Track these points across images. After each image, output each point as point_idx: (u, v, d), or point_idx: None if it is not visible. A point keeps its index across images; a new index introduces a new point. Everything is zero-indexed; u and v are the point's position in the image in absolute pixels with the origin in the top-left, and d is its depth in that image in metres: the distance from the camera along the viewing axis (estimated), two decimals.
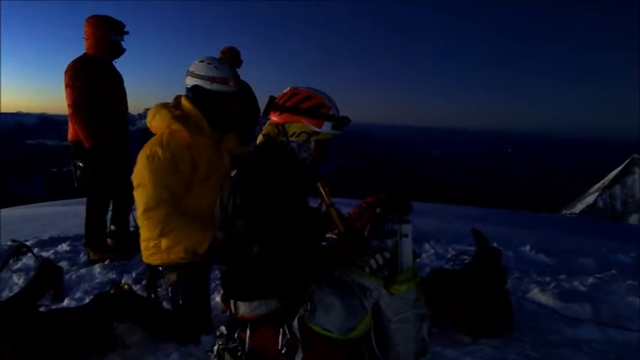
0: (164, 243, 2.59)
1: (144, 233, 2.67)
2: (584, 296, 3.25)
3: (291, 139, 2.05)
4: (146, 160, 2.57)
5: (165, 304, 2.86)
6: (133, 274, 3.76)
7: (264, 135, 2.12)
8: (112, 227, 4.31)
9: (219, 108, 2.68)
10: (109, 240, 4.30)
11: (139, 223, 2.66)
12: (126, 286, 2.73)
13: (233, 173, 2.02)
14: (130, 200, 4.37)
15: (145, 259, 2.74)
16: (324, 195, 2.18)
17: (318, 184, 2.17)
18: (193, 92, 2.68)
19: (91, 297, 2.81)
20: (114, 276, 3.73)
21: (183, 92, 2.76)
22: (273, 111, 2.09)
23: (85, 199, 4.30)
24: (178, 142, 2.60)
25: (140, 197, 2.59)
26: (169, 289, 2.69)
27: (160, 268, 2.72)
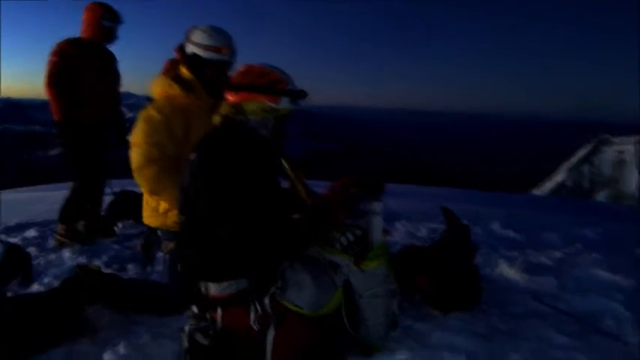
0: (162, 206, 2.70)
1: (144, 194, 2.80)
2: (550, 270, 3.36)
3: (249, 117, 2.03)
4: (141, 122, 2.69)
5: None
6: (104, 258, 3.71)
7: (221, 115, 2.09)
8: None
9: (212, 75, 2.73)
10: (82, 221, 4.26)
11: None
12: (95, 268, 2.70)
13: (192, 156, 1.99)
14: (104, 180, 4.38)
15: (144, 220, 2.87)
16: (289, 171, 2.18)
17: (282, 160, 2.16)
18: (191, 59, 2.75)
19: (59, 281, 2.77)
20: (84, 260, 3.66)
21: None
22: (228, 90, 2.06)
23: (53, 185, 4.23)
24: (173, 106, 2.70)
25: (133, 156, 2.69)
26: (167, 256, 2.75)
27: (159, 233, 2.81)
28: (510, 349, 2.28)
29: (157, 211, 2.76)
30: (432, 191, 9.07)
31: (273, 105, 2.02)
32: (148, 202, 2.83)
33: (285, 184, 2.32)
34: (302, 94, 2.07)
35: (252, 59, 2.12)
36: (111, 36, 4.12)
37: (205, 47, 2.69)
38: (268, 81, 2.01)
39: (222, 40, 2.73)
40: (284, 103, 2.03)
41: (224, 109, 2.08)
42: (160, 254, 2.96)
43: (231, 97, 2.05)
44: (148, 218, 2.85)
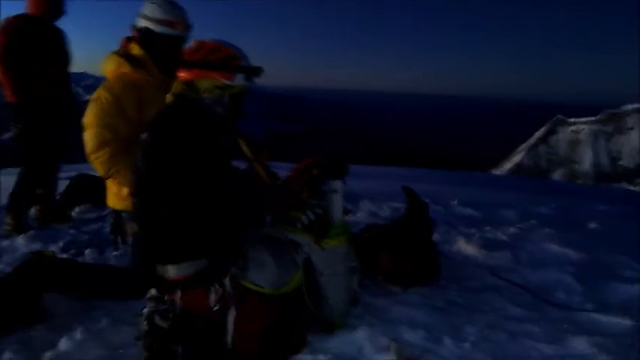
0: (124, 189, 2.62)
1: None
2: (506, 245, 3.47)
3: (203, 95, 1.98)
4: (92, 103, 2.61)
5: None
6: (60, 244, 3.60)
7: (173, 94, 2.03)
8: (39, 190, 4.11)
9: (165, 51, 2.65)
10: (35, 206, 4.12)
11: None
12: (49, 253, 2.62)
13: (144, 136, 1.94)
14: (58, 163, 4.23)
15: (108, 202, 2.81)
16: (247, 151, 2.15)
17: (239, 140, 2.14)
18: (143, 34, 2.67)
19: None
20: (39, 246, 3.54)
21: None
22: (180, 67, 2.00)
23: (11, 170, 4.08)
24: (124, 84, 2.62)
25: (86, 139, 2.63)
26: (131, 238, 2.68)
27: (124, 215, 2.73)
28: (467, 321, 2.35)
29: (119, 193, 2.69)
30: (394, 172, 9.19)
31: (227, 82, 1.97)
32: (110, 186, 2.76)
33: (243, 165, 2.30)
34: (257, 70, 2.02)
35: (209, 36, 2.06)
36: (58, 11, 3.95)
37: (158, 21, 2.61)
38: (222, 57, 1.96)
39: (177, 14, 2.66)
40: (239, 80, 1.99)
41: (176, 87, 2.02)
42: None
43: (183, 75, 1.99)
44: (112, 201, 2.79)
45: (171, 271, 1.92)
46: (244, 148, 2.17)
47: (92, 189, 4.62)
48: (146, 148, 1.90)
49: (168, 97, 2.04)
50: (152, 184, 1.87)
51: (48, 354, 1.99)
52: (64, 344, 2.08)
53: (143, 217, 1.99)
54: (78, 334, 2.14)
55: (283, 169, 2.55)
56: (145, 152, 1.90)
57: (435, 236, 3.21)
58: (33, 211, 4.16)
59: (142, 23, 2.65)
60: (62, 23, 4.10)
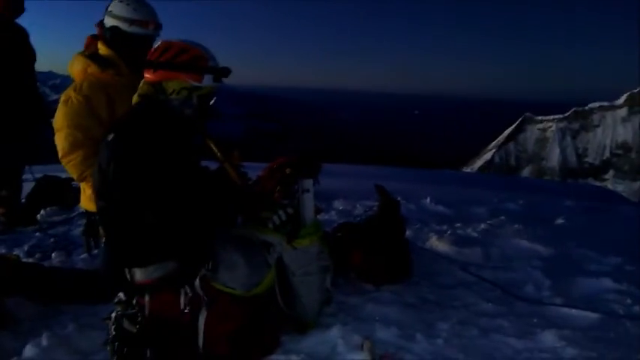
0: None
1: None
2: (476, 241, 3.52)
3: (171, 97, 1.94)
4: (62, 105, 2.57)
5: None
6: (25, 247, 3.49)
7: (139, 95, 1.98)
8: (3, 192, 3.98)
9: (135, 50, 2.60)
10: (0, 209, 3.98)
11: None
12: (13, 257, 2.54)
13: (110, 137, 1.89)
14: (23, 165, 4.10)
15: (82, 204, 2.79)
16: (216, 151, 2.13)
17: (208, 140, 2.11)
18: (111, 33, 2.61)
19: None
20: (3, 250, 3.43)
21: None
22: (146, 68, 1.96)
23: None
24: (93, 84, 2.59)
25: (58, 142, 2.58)
26: (104, 240, 2.60)
27: (97, 217, 2.61)
28: (439, 318, 2.37)
29: (92, 196, 2.63)
30: (367, 170, 9.23)
31: (195, 83, 1.94)
32: (84, 188, 2.71)
33: (213, 166, 2.27)
34: (225, 71, 2.00)
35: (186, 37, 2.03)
36: (18, 8, 3.81)
37: (130, 21, 2.56)
38: (190, 58, 1.93)
39: (148, 13, 2.62)
40: (207, 81, 1.96)
41: (142, 88, 1.98)
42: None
43: (149, 76, 1.95)
44: (85, 203, 2.74)
45: (139, 275, 1.89)
46: (214, 148, 2.14)
47: (58, 191, 4.51)
48: (112, 150, 1.85)
49: (135, 99, 2.00)
50: (117, 187, 1.83)
51: None
52: (29, 350, 2.02)
53: (108, 220, 1.94)
54: (44, 340, 2.07)
55: (257, 169, 2.53)
56: (110, 154, 1.85)
57: (408, 233, 3.23)
58: None
59: (111, 22, 2.59)
60: (24, 22, 3.98)
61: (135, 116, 1.96)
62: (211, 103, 2.05)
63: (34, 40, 4.07)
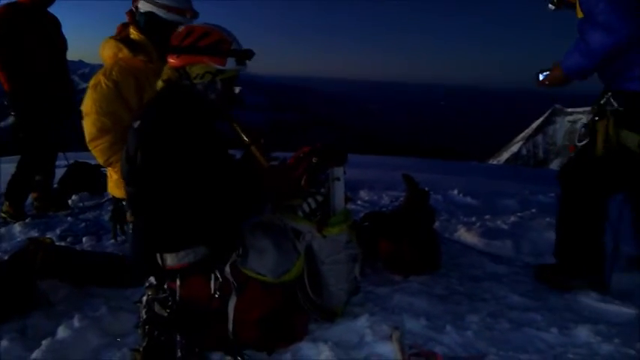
0: None
1: None
2: (506, 233, 3.45)
3: (195, 81, 1.93)
4: (91, 90, 2.57)
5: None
6: (57, 231, 3.58)
7: (164, 81, 1.98)
8: (37, 177, 4.08)
9: (169, 38, 2.60)
10: (32, 193, 4.10)
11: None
12: (47, 240, 2.59)
13: (136, 124, 1.89)
14: (55, 151, 4.20)
15: (109, 190, 2.81)
16: (243, 135, 2.11)
17: (234, 124, 2.10)
18: (145, 18, 2.61)
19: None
20: (36, 234, 3.52)
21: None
22: (170, 54, 1.95)
23: (9, 157, 4.07)
24: (123, 69, 2.59)
25: (86, 127, 2.59)
26: (131, 227, 2.62)
27: (123, 202, 2.69)
28: (469, 310, 2.33)
29: (119, 181, 2.63)
30: (393, 161, 9.17)
31: (219, 67, 1.92)
32: (111, 173, 2.74)
33: (239, 152, 2.25)
34: (248, 53, 1.98)
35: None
36: None
37: (168, 8, 2.55)
38: (212, 42, 1.91)
39: (185, 2, 2.62)
40: (230, 64, 1.94)
41: (167, 73, 1.97)
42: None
43: (173, 61, 1.94)
44: (112, 189, 2.77)
45: (170, 260, 1.90)
46: (240, 133, 2.12)
47: (89, 177, 4.60)
48: (139, 138, 1.85)
49: (159, 84, 1.99)
50: (146, 173, 1.83)
51: (46, 342, 1.96)
52: (62, 331, 2.05)
53: (138, 207, 1.95)
54: (76, 322, 2.11)
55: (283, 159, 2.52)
56: (137, 141, 1.85)
57: (436, 225, 3.18)
58: (30, 198, 4.14)
59: (147, 7, 2.59)
60: (56, 10, 4.04)
61: (160, 102, 1.96)
62: (236, 89, 2.04)
63: (65, 30, 4.14)
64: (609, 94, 2.32)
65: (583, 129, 2.49)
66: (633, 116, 2.25)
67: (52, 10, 3.97)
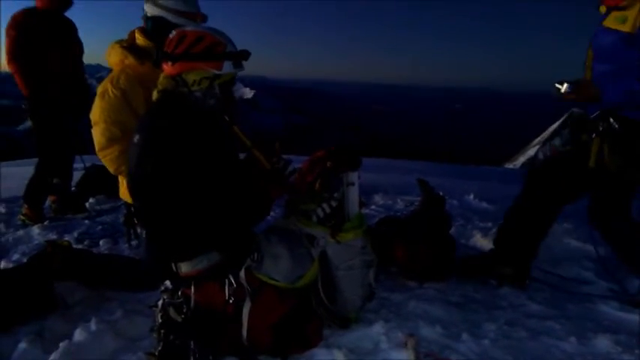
0: None
1: None
2: None
3: (192, 88, 1.89)
4: (99, 98, 2.56)
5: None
6: (75, 234, 3.61)
7: (160, 91, 1.94)
8: (55, 180, 4.13)
9: None
10: (50, 196, 4.16)
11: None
12: (65, 243, 2.62)
13: (135, 138, 1.87)
14: (73, 155, 4.25)
15: (120, 195, 2.79)
16: (243, 138, 2.09)
17: (235, 127, 2.07)
18: (153, 22, 2.57)
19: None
20: (54, 236, 3.56)
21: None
22: (164, 62, 1.91)
23: (28, 160, 4.12)
24: (130, 77, 2.56)
25: (95, 136, 2.59)
26: (144, 231, 2.60)
27: None
28: (485, 318, 2.30)
29: None
30: (407, 165, 9.12)
31: (215, 71, 1.88)
32: (122, 180, 2.72)
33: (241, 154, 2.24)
34: (244, 54, 1.94)
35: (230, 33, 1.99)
36: (66, 2, 3.94)
37: (179, 13, 2.52)
38: (206, 46, 1.87)
39: (195, 5, 2.60)
40: (227, 67, 1.90)
41: (162, 83, 1.94)
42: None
43: (168, 69, 1.90)
44: (124, 195, 2.74)
45: (184, 267, 1.89)
46: (241, 136, 2.10)
47: (106, 180, 4.63)
48: (139, 152, 1.83)
49: (154, 95, 1.96)
50: (150, 187, 1.82)
51: (63, 344, 1.98)
52: (79, 335, 2.07)
53: (148, 219, 1.96)
54: (93, 325, 2.12)
55: (298, 163, 2.52)
56: (138, 156, 1.83)
57: (451, 230, 3.15)
58: (48, 201, 4.20)
59: (156, 12, 2.55)
60: (73, 14, 4.10)
61: (158, 112, 1.92)
62: (250, 93, 2.02)
63: (83, 33, 4.20)
64: (612, 116, 2.37)
65: (568, 136, 2.55)
66: (625, 141, 2.36)
67: (69, 13, 4.03)
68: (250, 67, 2.07)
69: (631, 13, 2.27)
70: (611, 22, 2.37)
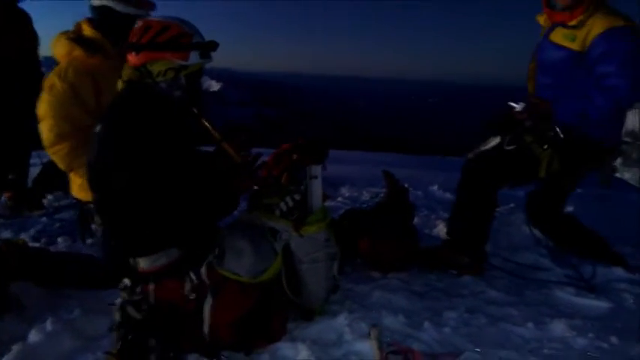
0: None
1: None
2: None
3: (157, 79, 1.85)
4: (46, 92, 2.46)
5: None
6: (31, 232, 3.49)
7: (124, 82, 1.90)
8: (10, 176, 3.98)
9: (126, 31, 2.52)
10: (5, 193, 3.99)
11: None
12: (20, 242, 2.53)
13: (97, 128, 1.83)
14: (29, 149, 4.09)
15: (73, 193, 2.70)
16: (212, 131, 2.06)
17: (203, 120, 2.04)
18: (100, 13, 2.50)
19: None
20: (9, 235, 3.43)
21: None
22: (128, 52, 1.87)
23: None
24: (79, 70, 2.47)
25: (43, 132, 2.48)
26: (99, 229, 2.57)
27: (90, 206, 2.58)
28: (447, 306, 2.34)
29: (84, 184, 2.52)
30: (375, 157, 9.16)
31: (181, 62, 1.84)
32: (74, 178, 2.63)
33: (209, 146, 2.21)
34: (211, 45, 1.90)
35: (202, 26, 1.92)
36: None
37: (126, 1, 2.46)
38: (172, 35, 1.82)
39: None
40: (194, 58, 1.86)
41: (126, 73, 1.89)
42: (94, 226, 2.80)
43: (132, 59, 1.86)
44: (77, 192, 2.67)
45: (142, 263, 1.86)
46: (210, 128, 2.07)
47: (64, 176, 4.50)
48: (101, 143, 1.80)
49: (119, 85, 1.92)
50: (111, 179, 1.78)
51: (16, 346, 1.90)
52: (34, 335, 2.00)
53: (106, 213, 1.91)
54: (49, 325, 2.05)
55: (266, 155, 2.49)
56: (100, 146, 1.80)
57: (415, 221, 3.19)
58: (3, 198, 4.04)
59: (101, 2, 2.48)
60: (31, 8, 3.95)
61: (121, 104, 1.88)
62: (217, 86, 2.00)
63: (40, 27, 4.05)
64: (557, 127, 2.47)
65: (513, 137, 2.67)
66: (571, 154, 2.51)
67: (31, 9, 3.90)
68: (217, 60, 2.02)
69: (581, 33, 2.33)
70: (559, 39, 2.43)
